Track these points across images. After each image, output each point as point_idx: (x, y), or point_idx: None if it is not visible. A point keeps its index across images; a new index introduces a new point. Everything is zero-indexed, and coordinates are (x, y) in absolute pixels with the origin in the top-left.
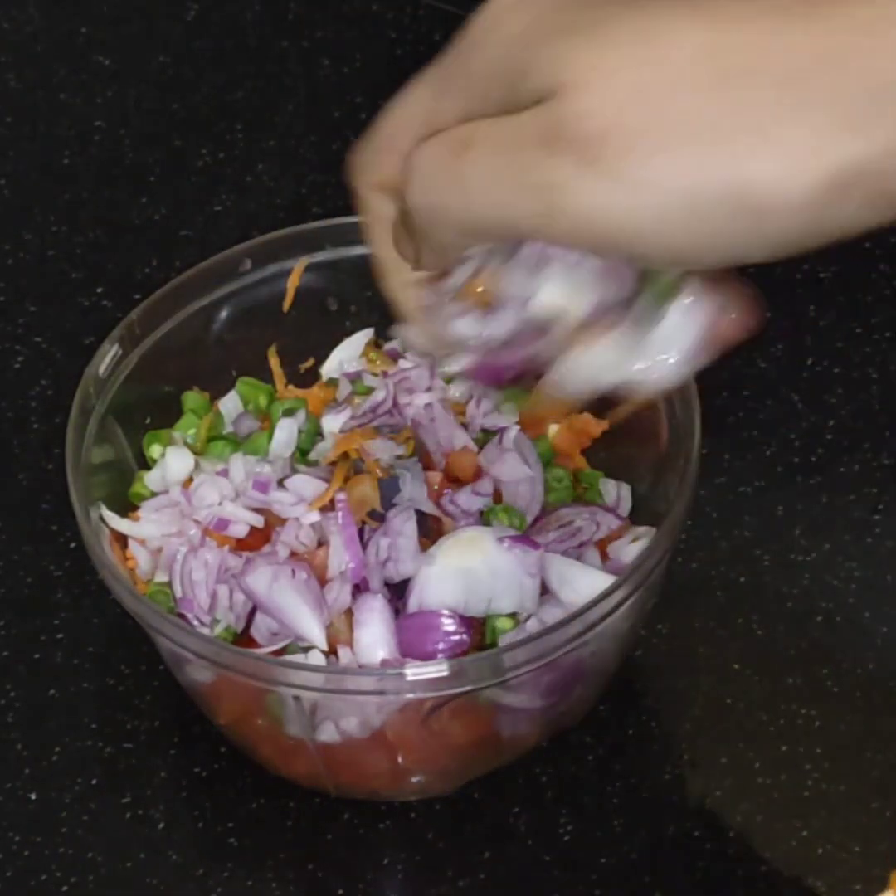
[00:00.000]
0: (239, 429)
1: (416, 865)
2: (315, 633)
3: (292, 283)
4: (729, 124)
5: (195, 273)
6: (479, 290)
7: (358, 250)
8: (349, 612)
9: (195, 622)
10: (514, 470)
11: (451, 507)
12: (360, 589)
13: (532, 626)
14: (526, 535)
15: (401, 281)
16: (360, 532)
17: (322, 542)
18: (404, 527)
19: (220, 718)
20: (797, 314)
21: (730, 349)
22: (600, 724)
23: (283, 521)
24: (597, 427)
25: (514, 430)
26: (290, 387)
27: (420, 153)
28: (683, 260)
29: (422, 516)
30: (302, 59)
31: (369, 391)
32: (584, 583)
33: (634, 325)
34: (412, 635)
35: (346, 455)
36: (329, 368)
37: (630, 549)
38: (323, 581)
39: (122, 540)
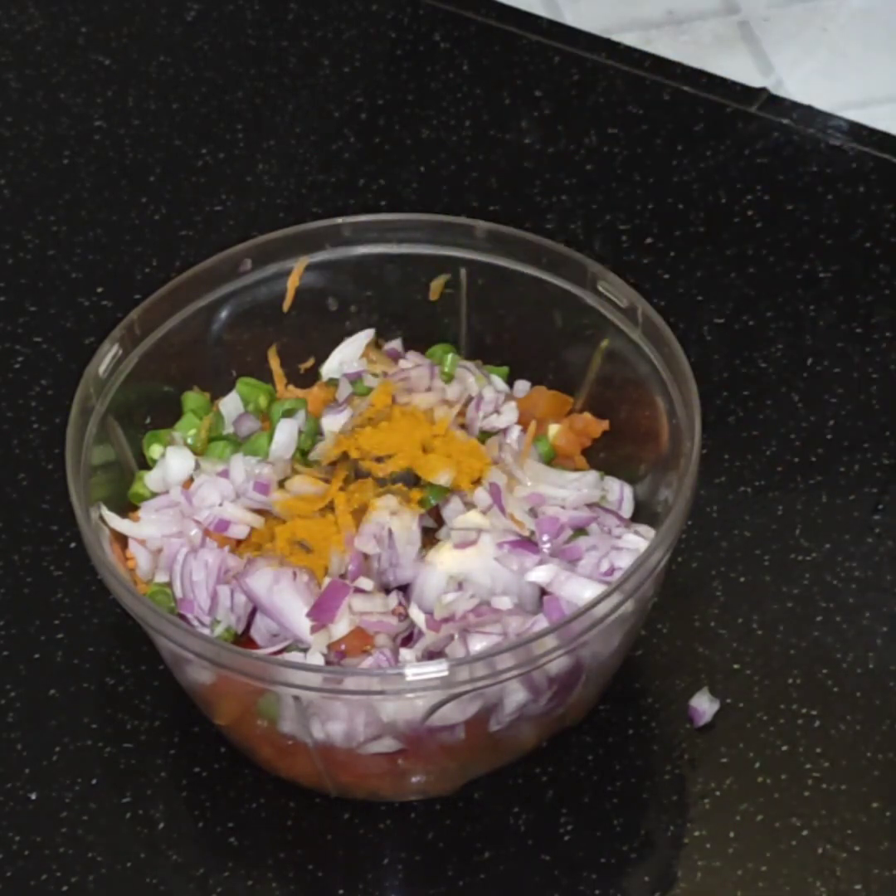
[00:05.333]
0: (239, 429)
1: (416, 865)
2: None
3: (292, 283)
4: None
5: (195, 273)
6: None
7: (358, 250)
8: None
9: (195, 623)
10: None
11: None
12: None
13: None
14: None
15: None
16: None
17: None
18: (408, 533)
19: (220, 719)
20: (797, 314)
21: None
22: (600, 724)
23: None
24: (597, 427)
25: (515, 431)
26: (290, 387)
27: None
28: None
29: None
30: (302, 59)
31: (369, 391)
32: (583, 583)
33: None
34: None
35: (345, 455)
36: (329, 368)
37: (630, 550)
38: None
39: (122, 540)
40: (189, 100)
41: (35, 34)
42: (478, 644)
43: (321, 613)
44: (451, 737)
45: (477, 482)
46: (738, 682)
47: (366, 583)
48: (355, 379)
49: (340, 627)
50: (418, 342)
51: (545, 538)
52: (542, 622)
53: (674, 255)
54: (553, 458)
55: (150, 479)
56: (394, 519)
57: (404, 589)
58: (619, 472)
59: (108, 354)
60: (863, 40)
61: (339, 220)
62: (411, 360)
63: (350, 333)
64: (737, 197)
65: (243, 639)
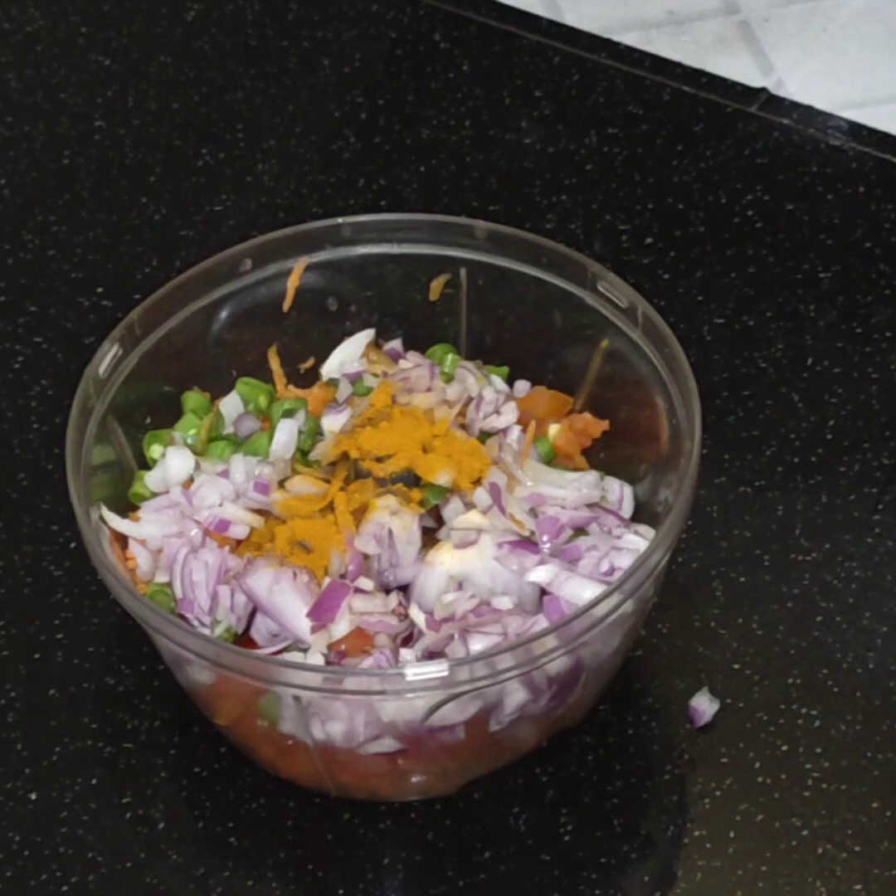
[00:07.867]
0: (239, 429)
1: (416, 865)
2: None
3: (292, 283)
4: None
5: (195, 273)
6: None
7: (358, 250)
8: None
9: (195, 623)
10: None
11: None
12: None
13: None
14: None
15: None
16: None
17: None
18: (408, 533)
19: (220, 719)
20: (797, 314)
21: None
22: (600, 724)
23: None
24: (597, 427)
25: (515, 431)
26: (291, 387)
27: None
28: None
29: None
30: (302, 59)
31: (369, 391)
32: (583, 584)
33: None
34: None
35: (345, 455)
36: (329, 368)
37: (630, 550)
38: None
39: (122, 540)
40: (189, 100)
41: (35, 34)
42: (478, 644)
43: (321, 613)
44: (451, 737)
45: (477, 482)
46: (738, 682)
47: (366, 583)
48: (355, 379)
49: (340, 627)
50: (418, 342)
51: (545, 538)
52: (542, 622)
53: (674, 255)
54: (553, 458)
55: (150, 479)
56: (394, 519)
57: (404, 589)
58: (619, 472)
59: (108, 354)
60: (863, 40)
61: (339, 220)
62: (411, 360)
63: (350, 333)
64: (737, 197)
65: (243, 639)
